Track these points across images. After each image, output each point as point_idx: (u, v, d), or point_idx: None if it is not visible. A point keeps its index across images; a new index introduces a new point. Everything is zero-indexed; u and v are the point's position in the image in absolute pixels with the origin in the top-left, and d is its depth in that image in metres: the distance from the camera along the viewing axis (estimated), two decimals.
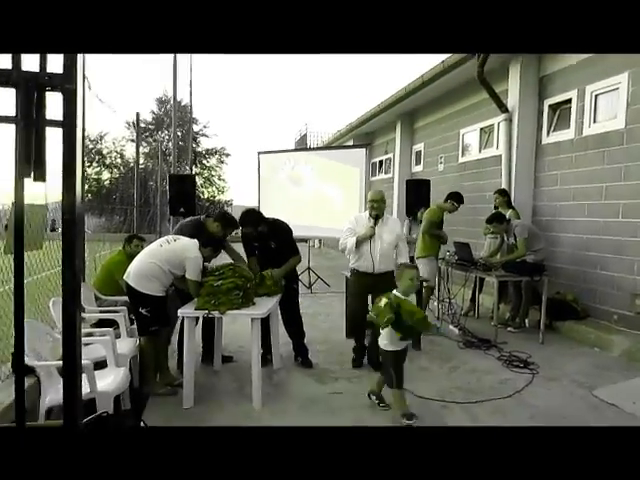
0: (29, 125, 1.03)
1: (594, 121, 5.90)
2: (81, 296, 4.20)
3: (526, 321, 6.01)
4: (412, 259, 6.15)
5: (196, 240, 3.85)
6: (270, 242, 4.49)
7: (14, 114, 1.08)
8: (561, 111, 6.55)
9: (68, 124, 1.07)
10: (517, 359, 4.74)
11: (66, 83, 1.06)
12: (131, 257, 4.67)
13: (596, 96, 5.87)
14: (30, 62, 1.12)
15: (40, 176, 1.10)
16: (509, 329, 5.85)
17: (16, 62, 1.05)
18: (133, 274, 3.75)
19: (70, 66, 1.06)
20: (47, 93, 1.11)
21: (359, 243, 4.38)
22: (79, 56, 1.08)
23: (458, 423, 3.40)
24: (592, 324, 5.61)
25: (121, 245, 5.11)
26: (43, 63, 1.11)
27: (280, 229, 4.58)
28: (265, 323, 4.55)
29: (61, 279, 1.14)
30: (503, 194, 6.48)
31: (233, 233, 4.48)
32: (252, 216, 4.44)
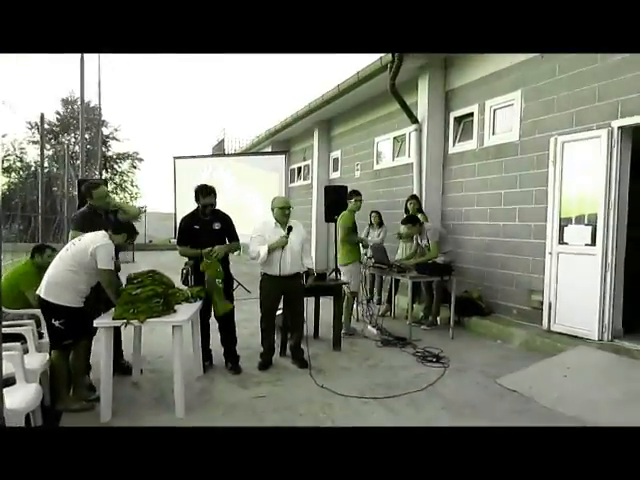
0: None
1: (493, 133, 6.46)
2: None
3: (438, 319, 6.41)
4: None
5: (102, 231, 3.73)
6: (214, 224, 4.53)
7: None
8: (465, 123, 7.08)
9: None
10: (430, 354, 5.06)
11: None
12: (40, 268, 4.40)
13: (494, 110, 6.43)
14: None
15: None
16: (422, 327, 6.21)
17: None
18: (45, 285, 3.57)
19: None
20: None
21: (270, 251, 4.53)
22: None
23: (377, 417, 3.58)
24: (495, 319, 6.12)
25: (25, 255, 4.77)
26: None
27: (223, 213, 4.68)
28: (205, 329, 4.61)
29: None
30: (416, 199, 6.88)
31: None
32: (211, 187, 4.56)
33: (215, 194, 4.56)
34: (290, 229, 4.61)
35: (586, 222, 5.07)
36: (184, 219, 4.69)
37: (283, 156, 10.05)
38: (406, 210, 6.87)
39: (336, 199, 7.39)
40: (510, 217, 6.10)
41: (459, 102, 7.06)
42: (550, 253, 5.44)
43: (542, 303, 5.54)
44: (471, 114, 6.83)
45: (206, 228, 4.50)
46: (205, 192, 4.52)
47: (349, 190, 6.46)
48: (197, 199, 4.55)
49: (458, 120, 7.15)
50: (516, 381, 4.26)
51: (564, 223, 5.31)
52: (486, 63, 6.44)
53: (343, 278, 5.93)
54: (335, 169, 11.15)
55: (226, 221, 4.65)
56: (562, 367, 4.37)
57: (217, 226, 4.55)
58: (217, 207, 4.65)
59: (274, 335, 4.85)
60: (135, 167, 28.12)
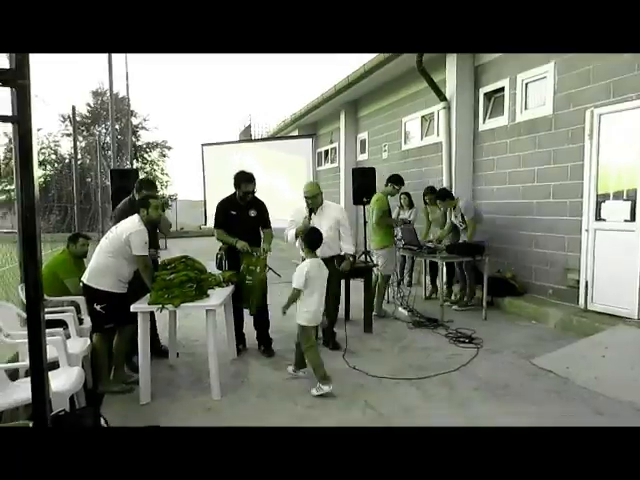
0: None
1: (525, 108, 6.26)
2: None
3: (471, 299, 6.33)
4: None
5: (134, 216, 3.82)
6: (250, 210, 4.56)
7: None
8: (495, 99, 6.89)
9: (23, 120, 1.08)
10: (463, 335, 5.01)
11: (18, 78, 1.07)
12: (76, 256, 4.56)
13: (526, 84, 6.23)
14: None
15: None
16: (454, 307, 6.15)
17: None
18: (88, 271, 3.75)
19: (22, 61, 1.07)
20: None
21: (297, 234, 4.55)
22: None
23: (409, 397, 3.58)
24: (529, 299, 6.01)
25: (62, 245, 4.93)
26: None
27: (259, 200, 4.68)
28: (239, 313, 4.68)
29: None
30: (432, 192, 6.61)
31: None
32: (251, 174, 4.55)
33: (255, 181, 4.55)
34: (312, 212, 4.60)
35: (625, 197, 4.89)
36: (221, 203, 4.68)
37: (310, 139, 10.01)
38: (425, 203, 6.76)
39: (364, 181, 7.34)
40: (544, 194, 5.93)
41: (489, 77, 6.86)
42: (587, 230, 5.27)
43: (578, 282, 5.40)
44: (502, 89, 6.63)
45: (242, 215, 4.53)
46: (246, 179, 4.50)
47: (391, 175, 6.24)
48: (237, 186, 4.54)
49: (488, 96, 6.96)
50: (552, 361, 4.18)
51: (601, 199, 5.14)
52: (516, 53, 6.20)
53: (377, 261, 5.92)
54: (362, 151, 11.05)
55: (261, 208, 4.66)
56: (600, 347, 4.26)
57: (253, 213, 4.58)
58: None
59: None
60: (164, 155, 28.53)
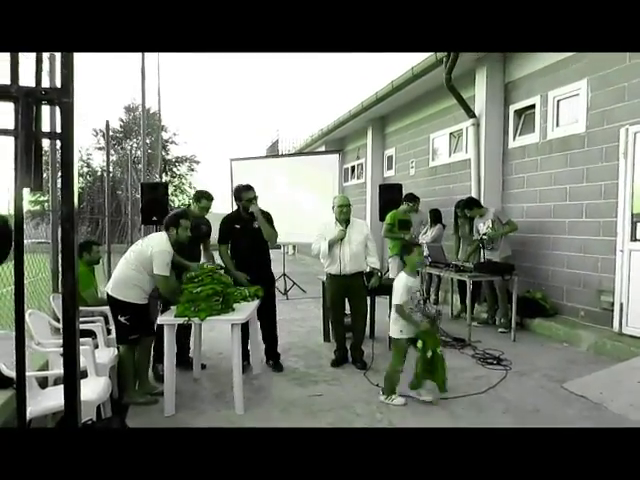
0: (29, 137, 1.06)
1: (557, 125, 6.16)
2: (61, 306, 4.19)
3: (496, 319, 6.20)
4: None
5: (162, 233, 3.86)
6: (254, 222, 4.55)
7: (11, 127, 1.11)
8: (526, 116, 6.80)
9: (66, 137, 1.10)
10: (490, 356, 4.89)
11: (63, 97, 1.10)
12: (90, 264, 4.65)
13: (558, 101, 6.13)
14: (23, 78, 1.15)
15: (38, 186, 1.14)
16: (500, 330, 5.96)
17: (14, 77, 1.09)
18: (112, 282, 3.79)
19: (67, 80, 1.10)
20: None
21: (331, 246, 4.57)
22: (75, 70, 1.11)
23: (437, 418, 3.50)
24: (561, 320, 5.84)
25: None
26: (39, 77, 1.15)
27: (265, 211, 4.66)
28: (245, 329, 4.57)
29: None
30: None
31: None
32: (248, 184, 4.65)
33: (254, 189, 4.59)
34: (347, 223, 4.66)
35: None
36: (226, 218, 4.72)
37: (337, 155, 10.04)
38: (456, 217, 6.66)
39: (391, 197, 7.35)
40: (576, 213, 5.80)
41: (519, 94, 6.79)
42: (621, 251, 5.12)
43: (613, 304, 5.22)
44: (532, 106, 6.54)
45: (247, 227, 4.54)
46: (245, 188, 4.58)
47: (406, 192, 6.69)
48: (238, 198, 4.60)
49: (518, 113, 6.88)
50: (584, 386, 4.04)
51: (637, 219, 4.98)
52: (548, 52, 6.14)
53: (391, 268, 6.03)
54: (389, 167, 11.03)
55: (267, 217, 4.64)
56: (636, 372, 4.09)
57: (257, 225, 4.55)
58: (264, 206, 4.68)
59: (344, 332, 4.87)
60: (192, 169, 29.06)
